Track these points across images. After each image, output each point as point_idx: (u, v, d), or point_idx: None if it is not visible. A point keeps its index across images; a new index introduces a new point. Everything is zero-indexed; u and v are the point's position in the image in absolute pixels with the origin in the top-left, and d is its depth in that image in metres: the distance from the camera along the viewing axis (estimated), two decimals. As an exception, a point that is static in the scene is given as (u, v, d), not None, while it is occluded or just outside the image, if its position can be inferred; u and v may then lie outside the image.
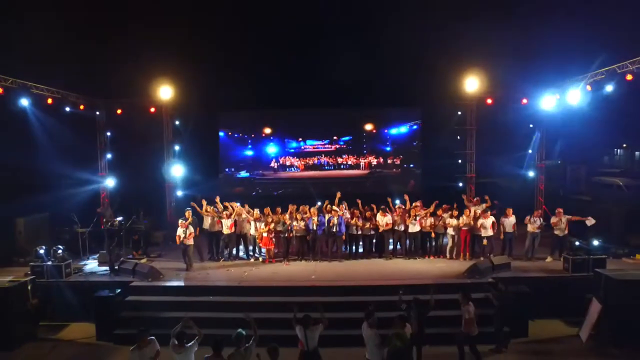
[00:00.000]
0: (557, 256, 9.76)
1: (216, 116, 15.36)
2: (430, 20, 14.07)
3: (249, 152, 15.17)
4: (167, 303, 8.55)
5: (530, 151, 14.57)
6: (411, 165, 15.15)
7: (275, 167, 15.08)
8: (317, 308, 6.17)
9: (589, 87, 11.27)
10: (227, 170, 15.23)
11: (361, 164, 15.09)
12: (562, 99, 12.11)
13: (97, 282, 9.13)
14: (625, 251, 9.97)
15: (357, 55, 13.66)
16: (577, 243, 9.09)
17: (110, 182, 14.20)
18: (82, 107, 13.33)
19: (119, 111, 14.15)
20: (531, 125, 14.47)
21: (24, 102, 10.89)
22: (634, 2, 12.09)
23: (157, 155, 14.65)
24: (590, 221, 9.54)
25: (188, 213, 10.08)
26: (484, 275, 8.86)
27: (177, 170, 14.41)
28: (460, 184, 14.32)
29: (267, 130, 14.96)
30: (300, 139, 14.95)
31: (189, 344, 5.45)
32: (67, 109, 12.62)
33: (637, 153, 25.12)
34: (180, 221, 9.84)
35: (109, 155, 14.42)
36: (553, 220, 9.90)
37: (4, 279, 8.68)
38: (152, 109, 14.11)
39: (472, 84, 13.30)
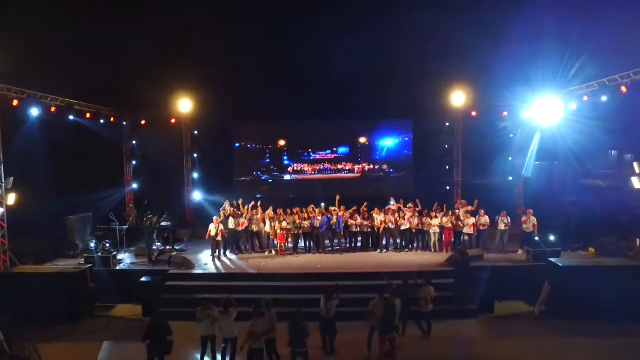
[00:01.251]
0: (525, 250, 11.89)
1: (231, 127, 17.63)
2: (419, 42, 16.28)
3: (267, 160, 18.33)
4: (199, 287, 10.65)
5: (510, 158, 16.72)
6: (390, 170, 18.11)
7: (291, 171, 18.06)
8: (336, 290, 8.26)
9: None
10: (254, 173, 18.23)
11: (355, 169, 18.13)
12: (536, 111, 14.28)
13: (140, 271, 11.24)
14: (581, 245, 12.09)
15: (357, 74, 15.92)
16: (536, 238, 11.23)
17: (134, 186, 16.43)
18: (112, 119, 15.48)
19: (143, 122, 16.37)
20: (512, 135, 16.58)
21: (71, 117, 13.13)
22: (593, 32, 14.21)
23: (176, 162, 16.83)
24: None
25: (223, 212, 12.27)
26: (462, 264, 10.94)
27: (195, 176, 16.66)
28: (448, 187, 16.49)
29: (282, 142, 17.99)
30: (310, 150, 18.02)
31: (231, 311, 7.56)
32: (102, 121, 14.84)
33: (627, 156, 27.18)
34: (215, 218, 11.97)
35: (134, 162, 16.61)
36: (523, 218, 12.07)
37: (65, 266, 10.86)
38: (173, 120, 16.29)
39: (458, 98, 15.45)
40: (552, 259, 10.26)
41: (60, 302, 9.85)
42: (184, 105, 15.72)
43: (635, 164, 10.48)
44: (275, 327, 7.22)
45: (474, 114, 16.01)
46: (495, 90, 15.80)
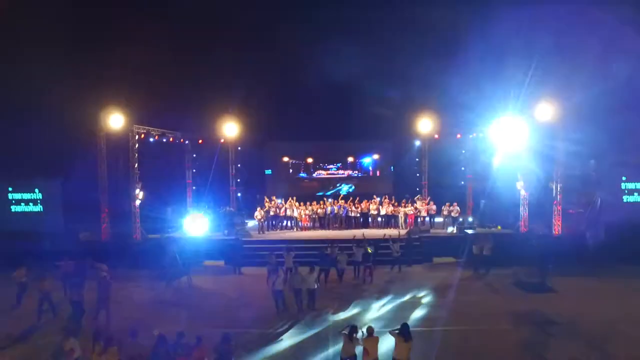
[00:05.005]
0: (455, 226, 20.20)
1: (264, 145, 26.07)
2: (397, 83, 24.67)
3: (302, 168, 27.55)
4: (257, 247, 18.86)
5: (463, 168, 24.93)
6: (359, 173, 27.62)
7: (314, 174, 27.33)
8: (334, 245, 16.48)
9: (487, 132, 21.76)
10: (299, 174, 27.66)
11: (345, 173, 27.57)
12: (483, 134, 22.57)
13: (220, 239, 19.45)
14: (494, 224, 20.34)
15: (352, 109, 24.38)
16: (460, 219, 19.54)
17: (194, 187, 24.69)
18: (182, 140, 23.72)
19: (200, 141, 24.59)
20: (463, 151, 24.83)
21: (163, 141, 21.38)
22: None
23: (224, 170, 25.05)
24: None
25: (267, 204, 20.56)
26: (415, 234, 19.16)
27: (238, 180, 24.94)
28: (418, 189, 24.72)
29: (310, 160, 27.13)
30: (326, 164, 27.39)
31: (291, 254, 15.70)
32: (177, 141, 23.08)
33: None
34: (258, 208, 20.30)
35: (193, 170, 24.80)
36: (450, 208, 20.46)
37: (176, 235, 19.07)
38: (222, 140, 24.53)
39: (425, 124, 23.56)
40: (467, 231, 18.55)
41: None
42: (231, 129, 23.90)
43: (518, 174, 18.71)
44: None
45: (436, 136, 24.29)
46: (452, 117, 24.09)
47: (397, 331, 8.67)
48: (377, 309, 13.10)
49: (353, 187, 27.51)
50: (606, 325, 11.40)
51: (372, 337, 8.72)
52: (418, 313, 12.64)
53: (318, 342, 10.83)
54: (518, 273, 15.50)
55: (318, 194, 26.15)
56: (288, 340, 11.08)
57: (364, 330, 8.88)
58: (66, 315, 12.30)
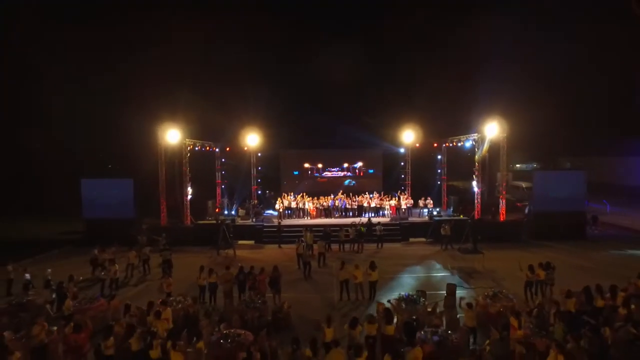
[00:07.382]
0: (428, 215, 27.33)
1: (279, 152, 33.27)
2: (382, 104, 31.84)
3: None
4: (286, 230, 26.02)
5: (439, 170, 32.09)
6: (349, 174, 34.43)
7: (323, 174, 34.10)
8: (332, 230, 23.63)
9: (454, 143, 28.99)
10: (315, 174, 34.37)
11: (343, 174, 34.25)
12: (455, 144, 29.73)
13: (250, 224, 26.59)
14: (457, 213, 27.45)
15: (351, 122, 31.50)
16: (431, 209, 26.70)
17: (223, 186, 31.89)
18: (214, 148, 30.95)
19: (227, 149, 31.81)
20: (439, 157, 32.01)
21: (202, 150, 28.58)
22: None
23: (246, 172, 32.23)
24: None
25: (285, 197, 27.76)
26: (397, 220, 26.29)
27: (259, 180, 32.12)
28: (403, 187, 31.87)
29: (320, 165, 33.74)
30: (330, 167, 34.07)
31: (309, 234, 22.85)
32: (210, 149, 30.29)
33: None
34: (279, 200, 27.50)
35: (222, 172, 31.99)
36: (426, 201, 27.60)
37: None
38: (245, 148, 31.75)
39: (409, 135, 30.80)
40: (435, 217, 25.71)
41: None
42: (252, 139, 31.07)
43: (474, 175, 25.82)
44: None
45: (417, 145, 31.49)
46: (429, 129, 31.32)
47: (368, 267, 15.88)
48: (364, 262, 20.25)
49: (353, 182, 34.84)
50: (509, 273, 18.53)
51: (358, 269, 15.92)
52: (389, 267, 19.77)
53: (327, 276, 18.19)
54: (464, 244, 22.67)
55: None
56: (308, 278, 18.41)
57: (351, 265, 16.06)
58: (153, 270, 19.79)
